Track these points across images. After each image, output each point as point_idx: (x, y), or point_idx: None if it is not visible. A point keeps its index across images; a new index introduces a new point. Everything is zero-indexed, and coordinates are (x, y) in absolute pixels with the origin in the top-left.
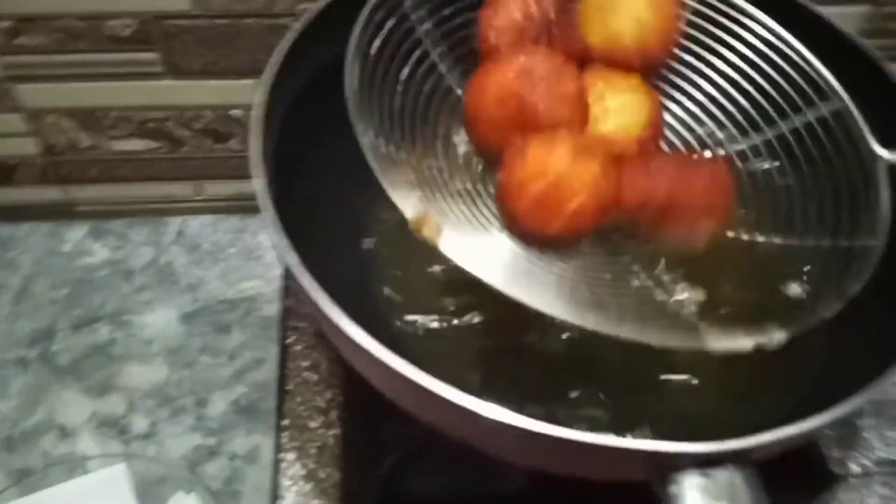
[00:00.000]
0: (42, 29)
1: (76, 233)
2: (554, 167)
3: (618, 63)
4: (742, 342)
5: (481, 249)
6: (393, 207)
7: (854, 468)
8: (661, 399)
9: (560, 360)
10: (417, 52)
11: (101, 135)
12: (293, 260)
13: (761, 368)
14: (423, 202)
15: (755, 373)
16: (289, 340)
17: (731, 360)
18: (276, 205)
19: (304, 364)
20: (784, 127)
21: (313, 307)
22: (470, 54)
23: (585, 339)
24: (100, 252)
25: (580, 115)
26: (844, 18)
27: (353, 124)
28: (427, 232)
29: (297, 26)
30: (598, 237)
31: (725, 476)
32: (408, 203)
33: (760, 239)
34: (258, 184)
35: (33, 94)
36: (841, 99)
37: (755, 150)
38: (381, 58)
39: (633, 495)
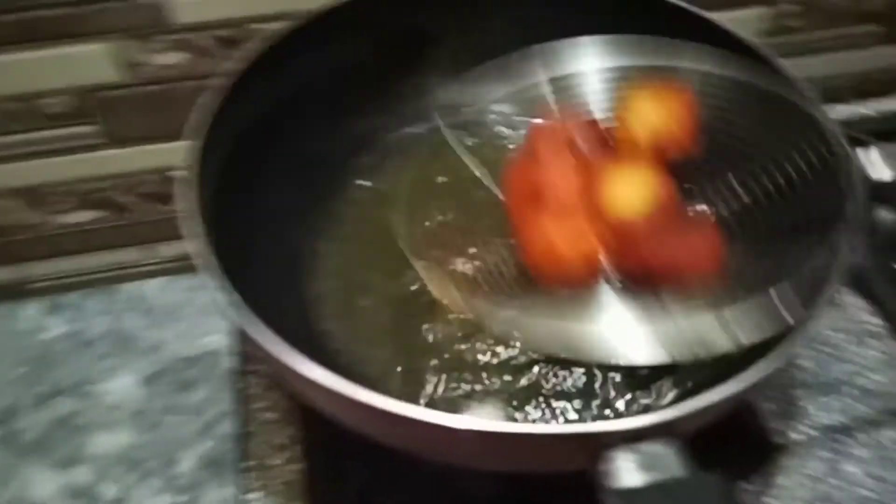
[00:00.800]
0: None
1: (31, 310)
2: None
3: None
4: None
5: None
6: (335, 247)
7: (794, 436)
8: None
9: (500, 367)
10: None
11: (48, 210)
12: (234, 302)
13: None
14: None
15: None
16: (246, 384)
17: None
18: (216, 256)
19: (263, 405)
20: None
21: (262, 350)
22: None
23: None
24: (57, 326)
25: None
26: (741, 23)
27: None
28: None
29: (220, 88)
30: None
31: (654, 449)
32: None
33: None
34: (195, 242)
35: None
36: None
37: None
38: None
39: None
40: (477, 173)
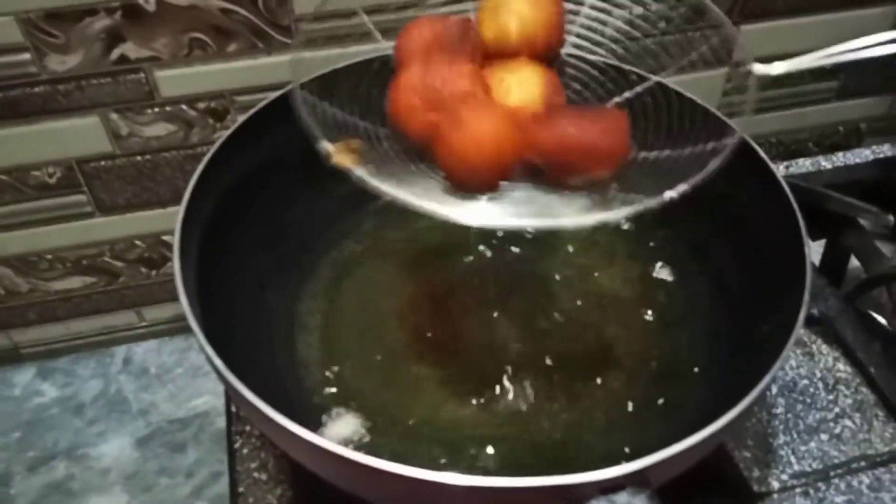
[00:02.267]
0: None
1: (24, 376)
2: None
3: (509, 54)
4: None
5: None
6: (315, 306)
7: (774, 484)
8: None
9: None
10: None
11: (38, 277)
12: (220, 364)
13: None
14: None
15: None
16: (236, 444)
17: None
18: (203, 321)
19: (253, 465)
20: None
21: (253, 412)
22: None
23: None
24: (49, 391)
25: (482, 91)
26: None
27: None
28: (340, 160)
29: (205, 159)
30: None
31: (626, 499)
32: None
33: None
34: (184, 306)
35: None
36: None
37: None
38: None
39: None
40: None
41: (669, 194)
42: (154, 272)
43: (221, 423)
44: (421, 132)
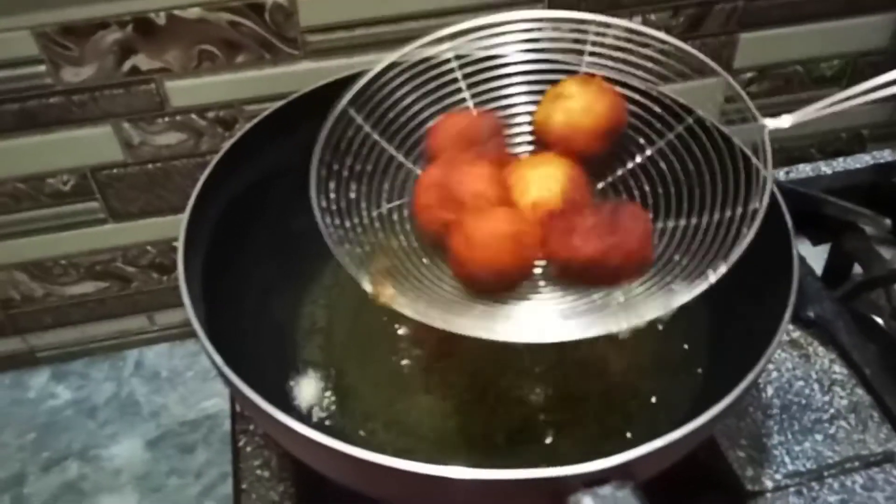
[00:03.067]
0: None
1: (39, 378)
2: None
3: (548, 145)
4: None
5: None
6: (318, 311)
7: (768, 483)
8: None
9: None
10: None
11: (53, 283)
12: (219, 360)
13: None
14: (377, 275)
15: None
16: (241, 443)
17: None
18: (208, 324)
19: (256, 462)
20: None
21: (255, 410)
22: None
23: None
24: (63, 394)
25: (497, 192)
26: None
27: (314, 209)
28: (384, 299)
29: (210, 166)
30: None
31: (615, 492)
32: (363, 277)
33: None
34: (188, 310)
35: None
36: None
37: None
38: (340, 153)
39: None
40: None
41: (711, 278)
42: (165, 277)
43: (230, 424)
44: (434, 230)
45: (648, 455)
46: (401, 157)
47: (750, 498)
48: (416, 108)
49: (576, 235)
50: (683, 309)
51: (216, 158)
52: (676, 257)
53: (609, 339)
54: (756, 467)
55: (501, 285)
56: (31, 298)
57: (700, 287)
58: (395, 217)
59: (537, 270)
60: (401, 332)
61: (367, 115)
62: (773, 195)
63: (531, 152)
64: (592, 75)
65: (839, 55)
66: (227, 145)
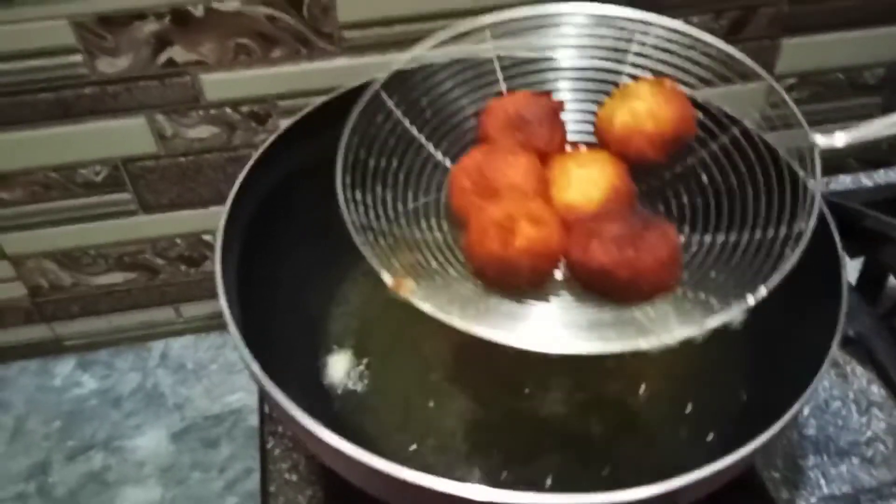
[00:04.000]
0: (18, 183)
1: (65, 367)
2: (500, 217)
3: (605, 144)
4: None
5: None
6: (351, 310)
7: None
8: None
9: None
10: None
11: (82, 272)
12: (258, 370)
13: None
14: (398, 268)
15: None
16: (269, 445)
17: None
18: (241, 321)
19: (285, 465)
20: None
21: (282, 413)
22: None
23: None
24: (88, 383)
25: (534, 184)
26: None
27: (338, 193)
28: (403, 292)
29: (250, 162)
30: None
31: None
32: (384, 269)
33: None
34: (223, 306)
35: (16, 241)
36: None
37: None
38: (369, 140)
39: None
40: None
41: (750, 301)
42: (193, 270)
43: (254, 419)
44: (462, 214)
45: (693, 484)
46: (431, 148)
47: None
48: (451, 98)
49: (595, 240)
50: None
51: (258, 152)
52: (713, 274)
53: (644, 357)
54: (791, 489)
55: (512, 281)
56: (60, 287)
57: (737, 309)
58: (422, 213)
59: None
60: (437, 335)
61: (400, 103)
62: (821, 214)
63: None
64: (664, 79)
65: (882, 63)
66: (269, 140)
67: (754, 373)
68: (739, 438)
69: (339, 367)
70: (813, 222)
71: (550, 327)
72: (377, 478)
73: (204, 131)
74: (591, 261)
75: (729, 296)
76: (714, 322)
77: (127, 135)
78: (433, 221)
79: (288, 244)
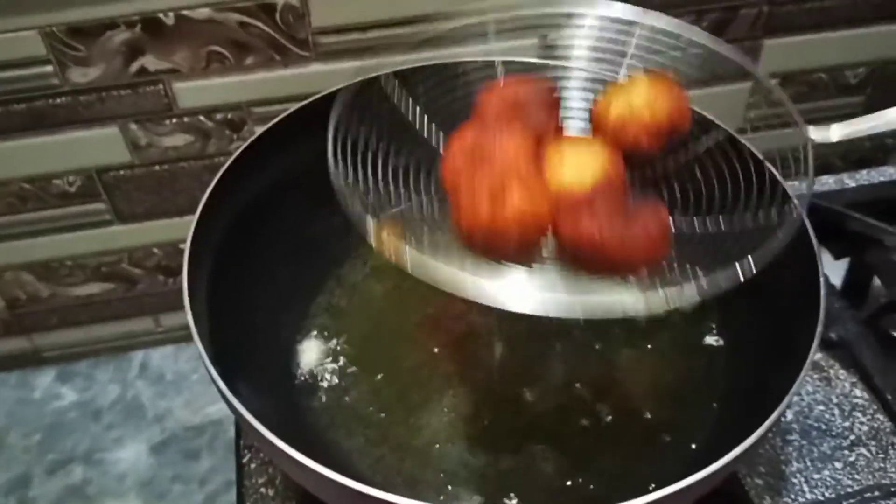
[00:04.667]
0: None
1: (44, 378)
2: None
3: (602, 134)
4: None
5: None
6: (327, 323)
7: None
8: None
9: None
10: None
11: (59, 283)
12: (224, 388)
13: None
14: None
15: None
16: (245, 458)
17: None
18: (210, 336)
19: (261, 480)
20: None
21: (258, 438)
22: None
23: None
24: (68, 395)
25: (526, 163)
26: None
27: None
28: (387, 250)
29: (221, 171)
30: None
31: None
32: (368, 226)
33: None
34: (190, 321)
35: None
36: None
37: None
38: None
39: None
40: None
41: (739, 270)
42: (171, 280)
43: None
44: (453, 185)
45: (677, 493)
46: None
47: None
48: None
49: (586, 213)
50: (700, 333)
51: (228, 162)
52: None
53: (625, 366)
54: (774, 495)
55: (501, 249)
56: (37, 298)
57: (726, 280)
58: (413, 188)
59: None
60: (415, 350)
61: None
62: (800, 219)
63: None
64: (662, 71)
65: (865, 63)
66: (241, 147)
67: (736, 380)
68: (722, 446)
69: (313, 382)
70: (803, 212)
71: (535, 291)
72: (348, 497)
73: (178, 140)
74: (582, 233)
75: (716, 273)
76: (701, 289)
77: (100, 144)
78: (423, 197)
79: (262, 256)
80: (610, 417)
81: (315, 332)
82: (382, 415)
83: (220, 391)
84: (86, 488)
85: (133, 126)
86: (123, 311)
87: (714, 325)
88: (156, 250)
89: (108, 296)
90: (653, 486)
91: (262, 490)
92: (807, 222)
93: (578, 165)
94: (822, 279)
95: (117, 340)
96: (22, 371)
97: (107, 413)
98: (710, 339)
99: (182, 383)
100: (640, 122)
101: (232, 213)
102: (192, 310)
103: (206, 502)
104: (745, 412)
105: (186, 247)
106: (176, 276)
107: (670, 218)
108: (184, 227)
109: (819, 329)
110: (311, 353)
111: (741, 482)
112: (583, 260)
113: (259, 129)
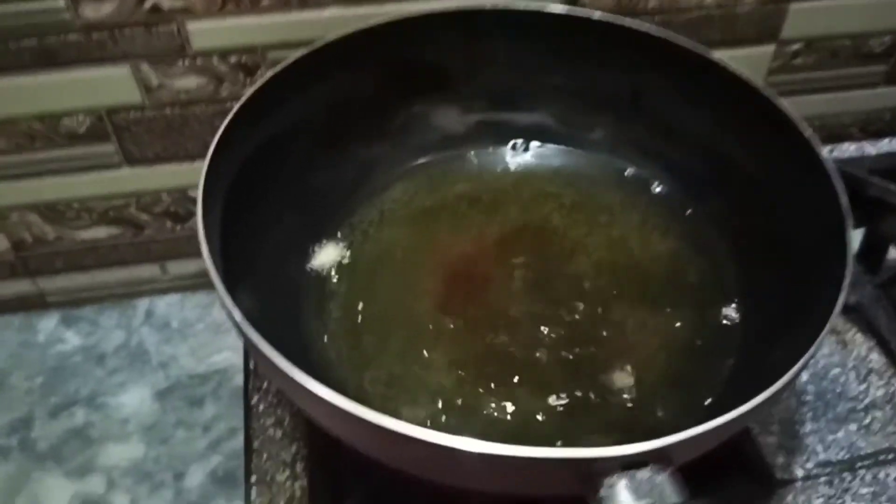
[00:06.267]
0: (3, 133)
1: (48, 322)
2: None
3: None
4: None
5: None
6: (337, 268)
7: (798, 472)
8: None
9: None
10: None
11: (66, 226)
12: (238, 317)
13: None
14: None
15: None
16: (253, 400)
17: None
18: (224, 273)
19: (269, 422)
20: None
21: (268, 365)
22: None
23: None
24: (72, 339)
25: None
26: (750, 61)
27: None
28: None
29: (233, 111)
30: None
31: (650, 476)
32: None
33: None
34: (205, 256)
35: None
36: None
37: None
38: None
39: None
40: None
41: None
42: (179, 226)
43: (240, 380)
44: None
45: (688, 440)
46: None
47: (779, 486)
48: None
49: None
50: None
51: (238, 105)
52: None
53: (641, 324)
54: (787, 455)
55: None
56: (43, 241)
57: None
58: None
59: None
60: (426, 294)
61: None
62: (828, 174)
63: None
64: None
65: (889, 31)
66: (249, 91)
67: (754, 339)
68: (737, 404)
69: (325, 319)
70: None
71: None
72: (358, 428)
73: (190, 82)
74: None
75: None
76: None
77: (112, 84)
78: None
79: (273, 201)
80: (625, 373)
81: (325, 275)
82: (391, 352)
83: (232, 320)
84: (88, 431)
85: (145, 66)
86: (130, 257)
87: (734, 286)
88: (164, 196)
89: (114, 241)
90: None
91: (270, 431)
92: (834, 176)
93: None
94: (849, 242)
95: (123, 287)
96: (26, 314)
97: (111, 358)
98: (729, 305)
99: (187, 331)
100: None
101: (242, 158)
102: (205, 241)
103: (209, 448)
104: (761, 373)
105: (200, 185)
106: (184, 222)
107: None
108: (193, 174)
109: (844, 291)
110: (318, 294)
111: (755, 441)
112: None
113: (270, 72)
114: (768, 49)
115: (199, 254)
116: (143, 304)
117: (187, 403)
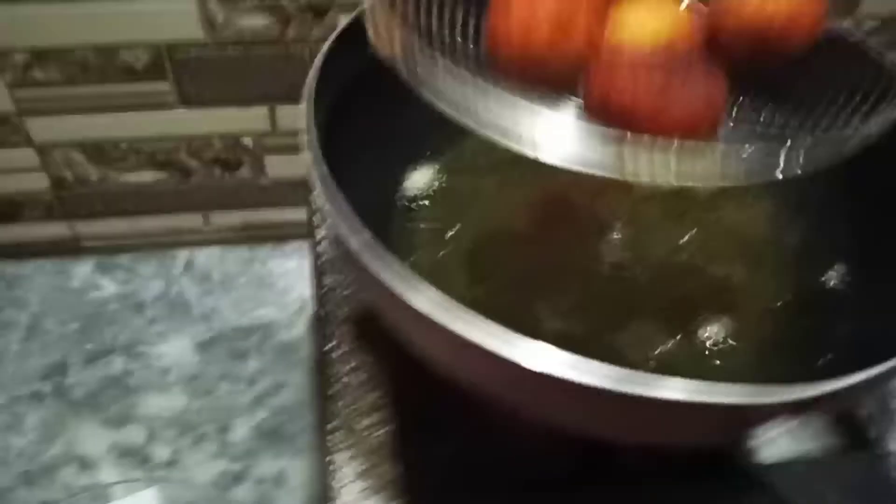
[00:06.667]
0: (56, 62)
1: (83, 268)
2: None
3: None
4: None
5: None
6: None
7: (893, 446)
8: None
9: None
10: None
11: (110, 167)
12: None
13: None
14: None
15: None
16: (328, 346)
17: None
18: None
19: (344, 368)
20: None
21: (365, 275)
22: None
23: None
24: (108, 286)
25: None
26: None
27: None
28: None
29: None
30: None
31: (805, 424)
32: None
33: None
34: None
35: (44, 128)
36: None
37: None
38: None
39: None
40: None
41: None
42: (227, 175)
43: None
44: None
45: (854, 386)
46: None
47: (876, 460)
48: None
49: (624, 76)
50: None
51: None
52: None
53: (755, 274)
54: (879, 429)
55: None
56: (85, 181)
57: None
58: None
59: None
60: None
61: None
62: None
63: None
64: None
65: None
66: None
67: (872, 307)
68: (849, 368)
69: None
70: None
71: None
72: (459, 345)
73: (257, 21)
74: (612, 95)
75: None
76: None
77: (175, 18)
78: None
79: (360, 137)
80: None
81: (416, 198)
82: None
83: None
84: (126, 379)
85: (212, 1)
86: (172, 205)
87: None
88: (216, 141)
89: (159, 186)
90: None
91: (346, 378)
92: None
93: (642, 24)
94: None
95: (162, 236)
96: (60, 259)
97: (150, 307)
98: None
99: (230, 284)
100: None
101: (337, 88)
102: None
103: (254, 402)
104: (880, 338)
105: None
106: (233, 171)
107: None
108: (248, 120)
109: None
110: (407, 218)
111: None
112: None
113: (344, 19)
114: None
115: (244, 206)
116: (182, 254)
117: (230, 356)
